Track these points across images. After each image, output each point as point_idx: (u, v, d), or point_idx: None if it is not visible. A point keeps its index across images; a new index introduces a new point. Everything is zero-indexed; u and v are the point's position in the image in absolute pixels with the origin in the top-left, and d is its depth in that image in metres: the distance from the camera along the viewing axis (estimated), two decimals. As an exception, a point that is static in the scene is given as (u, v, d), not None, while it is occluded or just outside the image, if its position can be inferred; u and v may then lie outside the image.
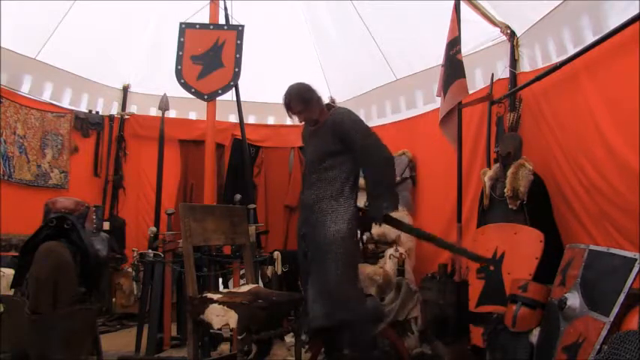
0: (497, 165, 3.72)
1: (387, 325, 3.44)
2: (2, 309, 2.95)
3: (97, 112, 5.92)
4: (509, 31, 4.12)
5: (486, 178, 3.74)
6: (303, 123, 3.24)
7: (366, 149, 2.93)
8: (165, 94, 5.41)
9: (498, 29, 4.18)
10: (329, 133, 3.02)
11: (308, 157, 3.22)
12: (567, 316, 2.49)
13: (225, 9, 4.78)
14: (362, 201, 3.12)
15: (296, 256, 4.43)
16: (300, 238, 3.12)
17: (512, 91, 4.04)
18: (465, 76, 3.79)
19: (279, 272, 4.28)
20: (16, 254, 3.67)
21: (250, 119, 6.22)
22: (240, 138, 5.34)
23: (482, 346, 3.10)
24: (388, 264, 4.33)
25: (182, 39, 4.58)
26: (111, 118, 6.00)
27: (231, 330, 2.88)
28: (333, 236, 2.90)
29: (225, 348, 3.84)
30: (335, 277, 2.85)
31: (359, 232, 3.18)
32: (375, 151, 2.93)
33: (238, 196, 4.38)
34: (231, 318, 2.60)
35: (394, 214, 3.05)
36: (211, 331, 3.16)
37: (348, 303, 2.87)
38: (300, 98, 3.07)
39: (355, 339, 2.92)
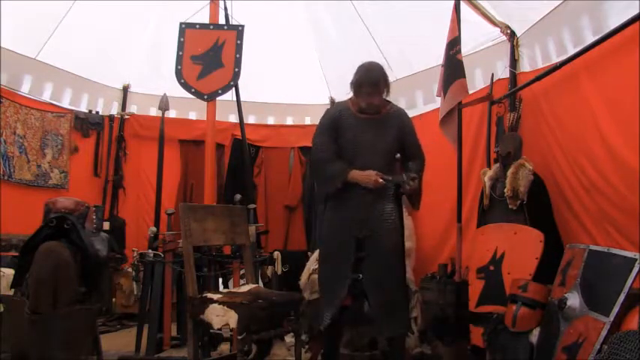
0: (497, 165, 3.72)
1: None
2: (2, 309, 2.95)
3: (97, 112, 5.93)
4: (509, 31, 4.12)
5: (486, 178, 3.74)
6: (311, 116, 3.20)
7: (420, 148, 3.07)
8: (165, 94, 5.41)
9: (498, 29, 4.18)
10: (395, 126, 2.93)
11: (360, 146, 2.89)
12: (567, 316, 2.49)
13: (225, 9, 4.78)
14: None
15: (296, 256, 4.41)
16: (352, 240, 2.83)
17: (512, 91, 4.04)
18: (465, 76, 3.78)
19: (279, 272, 4.28)
20: (16, 254, 3.66)
21: (250, 119, 6.22)
22: (240, 138, 5.34)
23: (483, 346, 3.10)
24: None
25: (182, 39, 4.58)
26: (111, 118, 6.00)
27: (231, 330, 2.88)
28: (400, 243, 2.91)
29: (225, 348, 3.85)
30: (401, 285, 2.91)
31: None
32: (423, 159, 3.09)
33: (238, 196, 4.38)
34: (231, 318, 2.60)
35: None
36: (211, 331, 3.16)
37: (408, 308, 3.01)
38: (386, 79, 2.88)
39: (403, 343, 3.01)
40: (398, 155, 2.86)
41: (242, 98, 5.04)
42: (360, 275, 2.81)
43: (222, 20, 4.75)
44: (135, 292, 4.75)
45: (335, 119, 2.96)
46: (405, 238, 4.54)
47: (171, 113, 5.89)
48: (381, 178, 2.79)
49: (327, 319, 2.86)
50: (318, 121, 3.08)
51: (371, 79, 2.82)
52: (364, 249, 2.82)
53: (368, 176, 2.81)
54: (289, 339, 3.73)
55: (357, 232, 2.84)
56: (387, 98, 3.01)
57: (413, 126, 3.08)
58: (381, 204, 2.88)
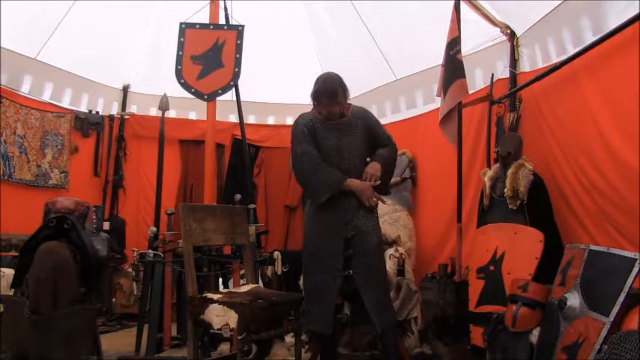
0: (497, 165, 3.72)
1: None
2: (2, 309, 2.95)
3: (97, 112, 5.93)
4: (509, 31, 4.12)
5: (486, 178, 3.73)
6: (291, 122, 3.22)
7: (390, 140, 3.16)
8: (165, 94, 5.41)
9: (498, 29, 4.18)
10: (360, 127, 3.03)
11: (338, 151, 2.98)
12: (567, 316, 2.49)
13: (225, 9, 4.78)
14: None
15: (296, 256, 4.40)
16: (340, 241, 2.91)
17: (512, 91, 4.04)
18: (464, 76, 3.78)
19: (279, 272, 4.28)
20: (16, 254, 3.67)
21: (250, 119, 6.23)
22: (240, 138, 5.35)
23: (482, 346, 3.10)
24: (388, 264, 4.33)
25: (182, 39, 4.58)
26: (111, 118, 6.01)
27: (231, 330, 2.88)
28: (380, 241, 3.03)
29: (225, 348, 3.85)
30: (386, 279, 3.07)
31: None
32: (394, 145, 3.18)
33: (238, 196, 4.38)
34: (231, 318, 2.60)
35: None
36: (211, 331, 3.16)
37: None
38: (344, 88, 2.99)
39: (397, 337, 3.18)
40: (368, 159, 3.04)
41: (242, 98, 5.03)
42: (351, 271, 2.89)
43: (222, 20, 4.75)
44: (135, 292, 4.75)
45: (309, 127, 3.00)
46: (405, 238, 4.60)
47: (171, 113, 5.89)
48: (375, 197, 2.97)
49: (327, 322, 2.90)
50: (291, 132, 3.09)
51: (326, 88, 2.94)
52: (351, 247, 2.92)
53: (365, 190, 2.94)
54: (289, 339, 3.73)
55: (345, 233, 2.93)
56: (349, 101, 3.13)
57: (377, 120, 3.23)
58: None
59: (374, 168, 2.99)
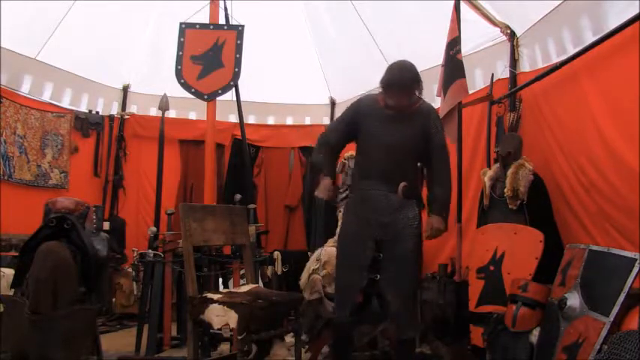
0: (497, 165, 3.72)
1: (387, 325, 3.43)
2: (2, 309, 2.95)
3: (97, 112, 5.94)
4: (509, 31, 4.13)
5: (486, 178, 3.74)
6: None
7: (445, 152, 2.86)
8: (165, 94, 5.40)
9: (498, 29, 4.18)
10: (419, 124, 2.79)
11: (380, 142, 2.78)
12: (567, 316, 2.49)
13: (225, 9, 4.78)
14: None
15: (296, 256, 4.39)
16: (371, 241, 2.75)
17: (512, 91, 4.05)
18: (464, 76, 3.78)
19: (279, 272, 4.28)
20: (16, 254, 3.66)
21: (250, 119, 6.23)
22: (240, 138, 5.35)
23: (483, 346, 3.10)
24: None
25: (182, 39, 4.59)
26: (111, 118, 6.02)
27: (231, 330, 2.88)
28: (419, 249, 2.82)
29: (225, 348, 3.85)
30: (416, 289, 2.85)
31: None
32: (448, 157, 2.90)
33: (238, 196, 4.39)
34: (231, 318, 2.61)
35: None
36: (211, 331, 3.16)
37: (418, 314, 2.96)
38: (414, 81, 2.73)
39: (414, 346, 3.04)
40: (419, 164, 2.83)
41: (242, 98, 5.03)
42: (378, 275, 2.73)
43: (222, 20, 4.75)
44: (135, 292, 4.75)
45: (358, 112, 2.88)
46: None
47: (171, 113, 5.88)
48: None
49: (342, 318, 2.81)
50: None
51: (396, 77, 2.72)
52: (382, 250, 2.75)
53: (322, 187, 2.82)
54: (289, 339, 3.73)
55: (378, 234, 2.76)
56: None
57: (440, 125, 2.92)
58: (406, 209, 2.79)
59: (437, 229, 2.81)
